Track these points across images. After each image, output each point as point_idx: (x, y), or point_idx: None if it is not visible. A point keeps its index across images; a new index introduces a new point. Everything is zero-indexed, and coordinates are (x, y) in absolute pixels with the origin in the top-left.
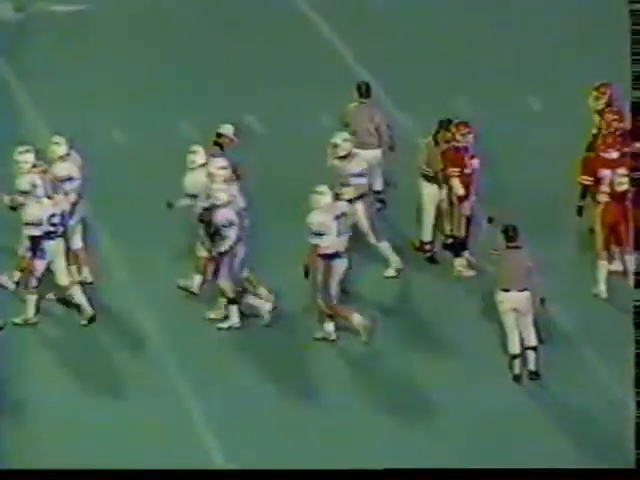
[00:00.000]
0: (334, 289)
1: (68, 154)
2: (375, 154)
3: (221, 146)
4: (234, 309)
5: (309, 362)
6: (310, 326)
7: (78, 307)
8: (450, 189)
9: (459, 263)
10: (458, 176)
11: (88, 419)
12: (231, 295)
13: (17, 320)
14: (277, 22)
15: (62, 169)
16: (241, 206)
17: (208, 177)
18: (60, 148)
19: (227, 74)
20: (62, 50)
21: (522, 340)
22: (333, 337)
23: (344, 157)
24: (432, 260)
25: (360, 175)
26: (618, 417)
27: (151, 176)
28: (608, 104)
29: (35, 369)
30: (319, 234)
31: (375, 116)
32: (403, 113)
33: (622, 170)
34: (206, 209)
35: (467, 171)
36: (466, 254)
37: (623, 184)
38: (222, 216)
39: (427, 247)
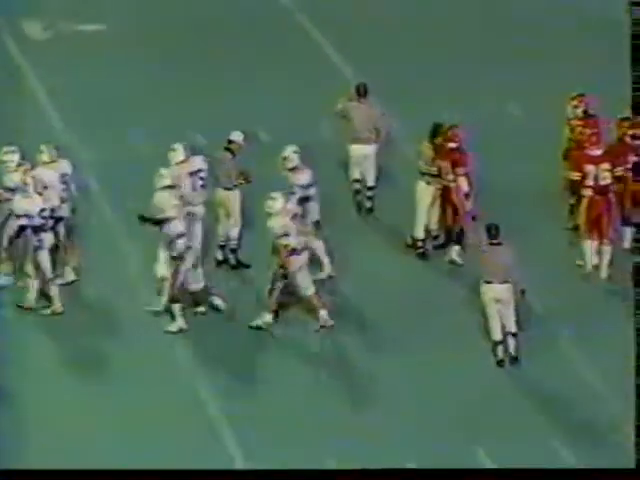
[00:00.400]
0: (298, 280)
1: (54, 161)
2: (371, 149)
3: (232, 152)
4: (176, 308)
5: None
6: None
7: (50, 299)
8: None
9: (455, 252)
10: (464, 174)
11: (106, 418)
12: (173, 297)
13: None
14: (281, 42)
15: (43, 173)
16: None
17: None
18: (44, 155)
19: (234, 89)
20: (85, 65)
21: (503, 327)
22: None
23: (292, 169)
24: (423, 255)
25: (309, 186)
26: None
27: None
28: (585, 112)
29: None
30: (285, 235)
31: (373, 115)
32: (391, 117)
33: (605, 165)
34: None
35: (469, 170)
36: (456, 248)
37: (606, 178)
38: (174, 228)
39: (419, 244)
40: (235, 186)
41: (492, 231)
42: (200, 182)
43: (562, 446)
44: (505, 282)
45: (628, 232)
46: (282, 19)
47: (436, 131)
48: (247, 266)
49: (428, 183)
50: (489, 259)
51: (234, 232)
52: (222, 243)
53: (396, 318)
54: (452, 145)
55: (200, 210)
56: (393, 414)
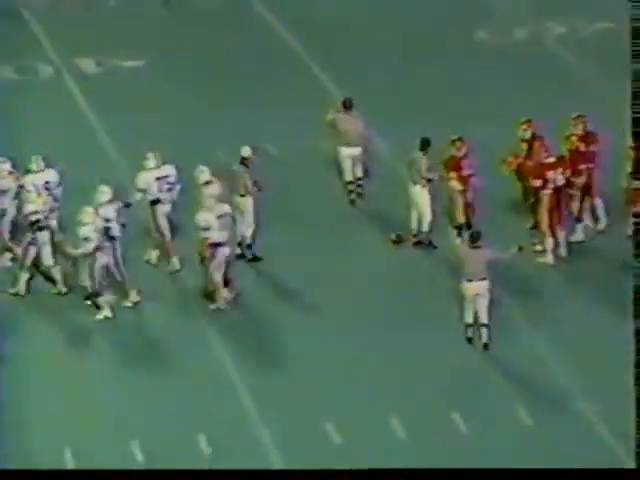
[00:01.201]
0: (220, 270)
1: (42, 170)
2: (358, 151)
3: (245, 165)
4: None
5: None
6: None
7: (54, 281)
8: (464, 187)
9: (459, 241)
10: (470, 175)
11: (142, 418)
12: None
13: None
14: (284, 76)
15: (29, 181)
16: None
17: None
18: (32, 165)
19: (245, 112)
20: (128, 93)
21: (477, 317)
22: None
23: (206, 183)
24: (428, 245)
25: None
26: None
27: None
28: (534, 134)
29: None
30: (206, 229)
31: (358, 124)
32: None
33: (559, 170)
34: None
35: (466, 173)
36: (464, 236)
37: (560, 180)
38: (82, 232)
39: (411, 238)
40: (249, 193)
41: (474, 237)
42: (167, 186)
43: (523, 409)
44: (482, 279)
45: (579, 228)
46: (284, 55)
47: (424, 144)
48: (260, 259)
49: (423, 187)
50: (470, 261)
51: (249, 231)
52: (238, 240)
53: (383, 301)
54: (455, 154)
55: (168, 207)
56: (380, 383)
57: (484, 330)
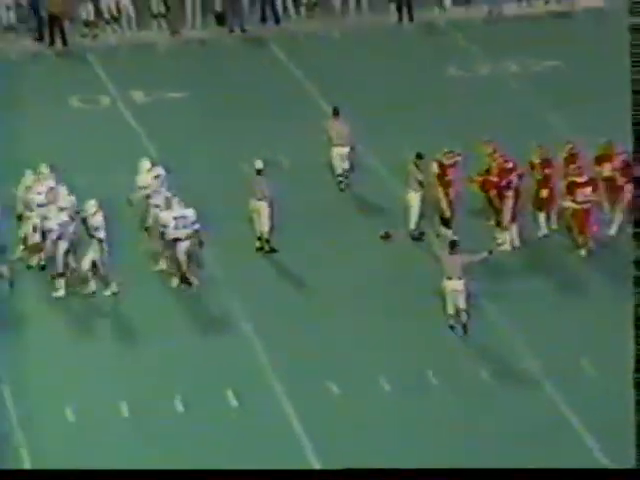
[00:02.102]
0: (181, 259)
1: (49, 186)
2: (346, 150)
3: (260, 174)
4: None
5: None
6: None
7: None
8: (446, 189)
9: (445, 232)
10: (451, 180)
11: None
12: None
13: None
14: (292, 102)
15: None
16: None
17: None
18: (28, 178)
19: (263, 133)
20: (174, 119)
21: (456, 306)
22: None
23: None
24: (418, 238)
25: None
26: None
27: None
28: (494, 150)
29: None
30: (164, 226)
31: (345, 128)
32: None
33: (516, 174)
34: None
35: (449, 178)
36: (447, 231)
37: (516, 182)
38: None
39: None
40: (265, 198)
41: (452, 245)
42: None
43: (484, 372)
44: (459, 279)
45: (541, 216)
46: (291, 85)
47: (418, 157)
48: (275, 251)
49: (416, 192)
50: (449, 264)
51: (265, 229)
52: (258, 236)
53: (375, 285)
54: (448, 162)
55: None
56: (371, 348)
57: (463, 314)
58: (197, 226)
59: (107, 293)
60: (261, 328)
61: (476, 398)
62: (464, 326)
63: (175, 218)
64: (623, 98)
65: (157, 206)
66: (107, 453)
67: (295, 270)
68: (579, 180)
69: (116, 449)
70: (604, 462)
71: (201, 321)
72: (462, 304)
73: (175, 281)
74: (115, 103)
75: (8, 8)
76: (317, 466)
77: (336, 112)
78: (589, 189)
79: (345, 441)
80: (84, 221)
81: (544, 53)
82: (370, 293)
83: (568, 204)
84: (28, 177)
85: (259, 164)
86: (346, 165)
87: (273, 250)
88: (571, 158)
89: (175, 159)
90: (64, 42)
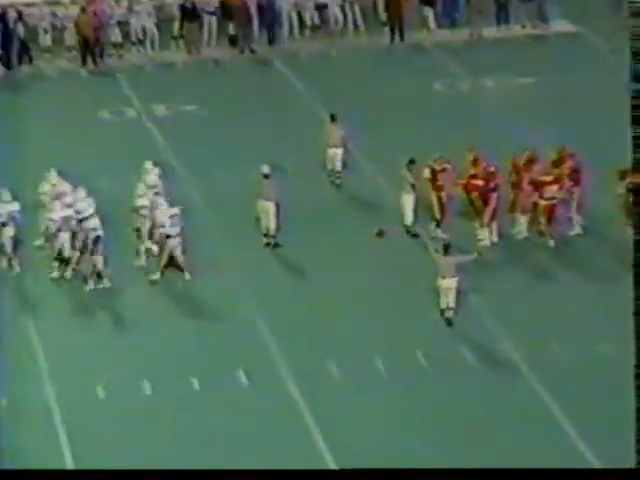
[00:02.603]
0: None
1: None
2: (340, 151)
3: (267, 178)
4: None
5: None
6: None
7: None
8: (438, 192)
9: (435, 231)
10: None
11: (199, 418)
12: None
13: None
14: (291, 113)
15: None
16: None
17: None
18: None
19: (269, 141)
20: (189, 130)
21: (447, 302)
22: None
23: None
24: (414, 236)
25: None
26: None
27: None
28: (476, 158)
29: None
30: (162, 225)
31: (340, 131)
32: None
33: (498, 178)
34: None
35: (439, 183)
36: (437, 230)
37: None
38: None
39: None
40: (271, 199)
41: (446, 247)
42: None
43: (468, 353)
44: (453, 277)
45: (522, 218)
46: (293, 97)
47: (410, 163)
48: (280, 246)
49: (409, 194)
50: (443, 264)
51: (272, 226)
52: (265, 232)
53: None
54: (438, 168)
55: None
56: (367, 331)
57: (451, 312)
58: (182, 224)
59: (100, 286)
60: (268, 314)
61: (460, 377)
62: (449, 320)
63: (171, 217)
64: (593, 110)
65: (158, 206)
66: (132, 427)
67: (298, 263)
68: (546, 179)
69: (140, 423)
70: (580, 446)
71: (215, 308)
72: (452, 302)
73: (157, 275)
74: (139, 115)
75: (46, 31)
76: (318, 436)
77: (333, 118)
78: (555, 187)
79: (344, 413)
80: (81, 222)
81: (519, 71)
82: (366, 283)
83: (536, 200)
84: (53, 176)
85: (266, 169)
86: (339, 164)
87: (277, 245)
88: (529, 163)
89: (191, 164)
90: (94, 62)
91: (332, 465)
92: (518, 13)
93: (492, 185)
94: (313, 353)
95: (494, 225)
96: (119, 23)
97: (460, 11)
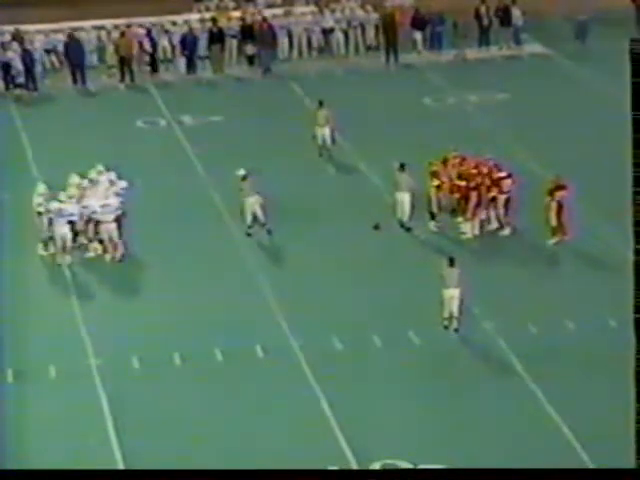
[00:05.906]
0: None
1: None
2: (326, 129)
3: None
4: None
5: None
6: None
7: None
8: (436, 192)
9: (433, 225)
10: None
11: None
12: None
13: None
14: (300, 123)
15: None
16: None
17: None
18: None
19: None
20: (213, 137)
21: (451, 312)
22: None
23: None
24: (408, 229)
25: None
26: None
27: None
28: (462, 161)
29: None
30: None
31: (327, 114)
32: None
33: (479, 177)
34: None
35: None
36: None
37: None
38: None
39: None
40: (258, 193)
41: (452, 261)
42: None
43: (453, 332)
44: (456, 287)
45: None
46: (300, 109)
47: (401, 167)
48: (271, 232)
49: (404, 192)
50: (448, 275)
51: (262, 217)
52: (249, 225)
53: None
54: (433, 169)
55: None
56: (366, 310)
57: (455, 320)
58: (119, 212)
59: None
60: (274, 285)
61: (445, 352)
62: (456, 330)
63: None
64: (561, 123)
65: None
66: (165, 394)
67: (302, 253)
68: (502, 175)
69: (171, 391)
70: (577, 447)
71: (231, 290)
72: (455, 311)
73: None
74: (170, 124)
75: (91, 52)
76: (322, 399)
77: (321, 104)
78: (510, 181)
79: (345, 382)
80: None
81: (497, 88)
82: (364, 268)
83: (496, 195)
84: (42, 188)
85: (242, 171)
86: (329, 139)
87: (269, 232)
88: (460, 163)
89: (213, 167)
90: (131, 78)
91: (335, 428)
92: (497, 37)
93: (472, 184)
94: (320, 330)
95: (476, 220)
96: (152, 45)
97: (445, 36)
